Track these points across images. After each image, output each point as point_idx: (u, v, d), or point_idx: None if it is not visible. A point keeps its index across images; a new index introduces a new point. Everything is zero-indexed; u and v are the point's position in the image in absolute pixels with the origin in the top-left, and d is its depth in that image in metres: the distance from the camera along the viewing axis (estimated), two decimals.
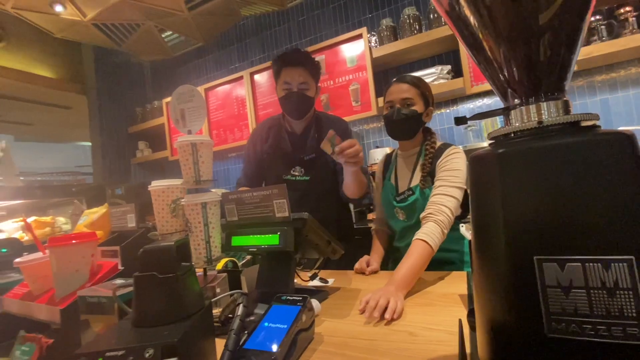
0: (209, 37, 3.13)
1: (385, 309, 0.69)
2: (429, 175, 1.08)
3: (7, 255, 0.94)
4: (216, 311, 0.66)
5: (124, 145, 3.58)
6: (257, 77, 2.79)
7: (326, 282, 1.00)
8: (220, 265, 0.91)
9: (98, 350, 0.39)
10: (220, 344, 0.51)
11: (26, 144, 4.75)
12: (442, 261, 1.07)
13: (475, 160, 0.36)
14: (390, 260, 1.22)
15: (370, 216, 2.05)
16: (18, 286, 0.73)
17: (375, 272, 1.07)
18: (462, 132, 2.20)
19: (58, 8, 2.72)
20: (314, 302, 0.71)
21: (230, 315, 0.67)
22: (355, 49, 2.34)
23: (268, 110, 2.72)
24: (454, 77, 2.13)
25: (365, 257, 1.12)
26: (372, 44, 2.36)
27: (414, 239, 0.91)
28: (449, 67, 2.16)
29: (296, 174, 1.34)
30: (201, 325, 0.49)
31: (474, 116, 0.41)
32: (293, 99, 1.27)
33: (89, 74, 3.50)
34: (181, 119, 0.82)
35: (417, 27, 2.20)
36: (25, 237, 1.10)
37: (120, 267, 0.68)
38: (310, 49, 2.43)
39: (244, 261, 1.02)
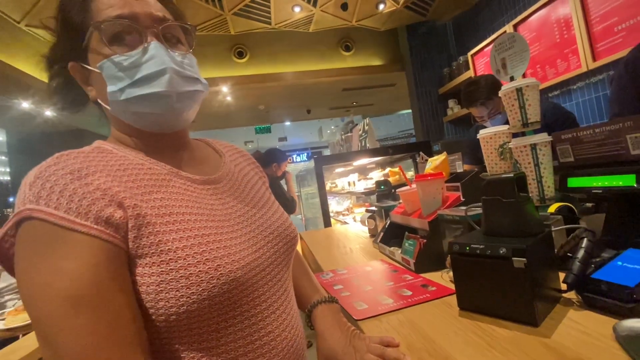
0: None
1: None
2: None
3: (384, 191, 1.46)
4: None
5: (436, 106, 4.03)
6: None
7: None
8: (552, 209, 0.90)
9: (467, 243, 0.58)
10: (560, 277, 0.56)
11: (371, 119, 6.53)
12: None
13: None
14: None
15: None
16: (397, 207, 1.14)
17: None
18: None
19: (381, 6, 3.44)
20: None
21: (569, 254, 0.68)
22: None
23: (611, 20, 2.00)
24: None
25: None
26: None
27: None
28: None
29: None
30: (544, 245, 0.56)
31: None
32: None
33: (404, 52, 4.19)
34: (502, 68, 0.87)
35: None
36: (390, 179, 1.64)
37: (462, 199, 0.88)
38: None
39: (583, 208, 0.93)
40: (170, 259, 0.39)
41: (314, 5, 3.26)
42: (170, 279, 0.38)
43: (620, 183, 0.66)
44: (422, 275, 0.82)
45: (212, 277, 0.40)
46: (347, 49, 4.24)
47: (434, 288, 0.73)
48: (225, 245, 0.44)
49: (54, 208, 0.36)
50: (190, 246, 0.40)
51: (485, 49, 3.12)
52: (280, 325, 0.48)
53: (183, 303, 0.38)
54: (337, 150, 3.32)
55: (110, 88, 0.45)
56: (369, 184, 2.28)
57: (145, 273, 0.38)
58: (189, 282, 0.39)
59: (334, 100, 5.69)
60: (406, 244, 0.94)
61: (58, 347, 0.33)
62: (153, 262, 0.38)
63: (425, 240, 0.86)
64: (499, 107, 1.52)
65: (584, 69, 2.19)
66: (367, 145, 2.47)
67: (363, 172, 2.86)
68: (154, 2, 0.49)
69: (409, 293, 0.72)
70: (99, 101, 0.49)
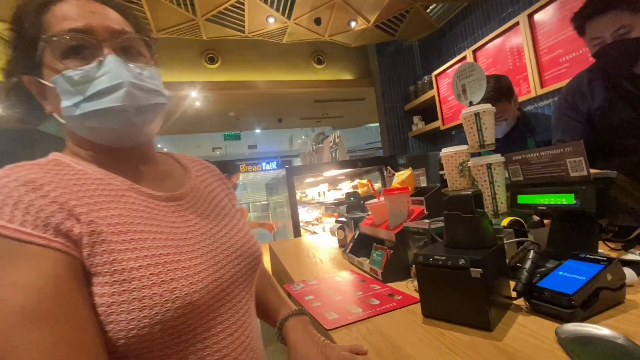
0: None
1: None
2: None
3: (353, 202, 1.51)
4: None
5: (402, 121, 4.22)
6: (537, 17, 2.36)
7: None
8: (504, 223, 0.99)
9: (430, 254, 0.62)
10: (510, 286, 0.62)
11: (341, 130, 6.67)
12: None
13: None
14: None
15: None
16: (366, 219, 1.18)
17: None
18: None
19: (353, 24, 3.57)
20: (627, 270, 0.64)
21: (519, 265, 0.75)
22: None
23: (556, 52, 2.25)
24: None
25: None
26: None
27: None
28: None
29: None
30: (497, 256, 0.62)
31: None
32: (608, 54, 1.00)
33: (374, 69, 4.36)
34: (462, 93, 0.95)
35: None
36: (359, 191, 1.69)
37: (425, 212, 0.94)
38: None
39: (530, 222, 1.02)
40: (123, 279, 0.37)
41: (289, 17, 3.32)
42: (122, 300, 0.36)
43: (562, 201, 0.75)
44: (389, 284, 0.86)
45: (166, 300, 0.38)
46: (320, 62, 4.34)
47: (400, 297, 0.77)
48: (184, 265, 0.42)
49: (7, 221, 0.34)
50: (145, 266, 0.39)
51: (448, 71, 3.34)
52: (237, 347, 0.46)
53: (133, 327, 0.36)
54: (308, 160, 3.35)
55: (65, 103, 0.44)
56: (339, 194, 2.33)
57: (96, 293, 0.36)
58: (142, 305, 0.37)
59: (306, 110, 5.76)
60: (374, 255, 0.98)
61: None
62: (105, 282, 0.37)
63: (392, 251, 0.90)
64: (504, 114, 1.46)
65: (533, 94, 2.42)
66: (338, 157, 2.53)
67: (332, 182, 2.92)
68: (113, 14, 0.48)
69: (377, 302, 0.75)
70: (55, 115, 0.48)
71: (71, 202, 0.38)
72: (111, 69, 0.44)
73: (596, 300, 0.56)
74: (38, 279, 0.33)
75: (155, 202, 0.47)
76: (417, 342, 0.56)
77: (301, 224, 2.73)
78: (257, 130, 9.06)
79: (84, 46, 0.45)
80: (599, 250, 0.77)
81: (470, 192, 0.64)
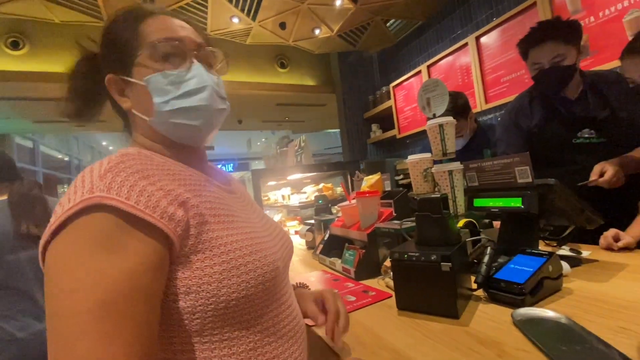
0: (430, 12, 3.24)
1: None
2: None
3: (322, 205, 1.55)
4: None
5: (361, 128, 4.39)
6: (483, 39, 2.63)
7: (579, 252, 0.96)
8: (461, 224, 1.10)
9: (404, 251, 0.68)
10: (470, 279, 0.70)
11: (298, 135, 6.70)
12: None
13: None
14: None
15: None
16: (336, 220, 1.23)
17: (629, 247, 0.92)
18: None
19: (317, 31, 3.66)
20: (563, 263, 0.76)
21: (475, 261, 0.85)
22: None
23: (499, 72, 2.53)
24: None
25: (612, 231, 0.96)
26: None
27: None
28: None
29: (585, 136, 1.21)
30: (461, 253, 0.70)
31: None
32: (544, 78, 1.17)
33: (335, 76, 4.49)
34: (427, 105, 1.05)
35: None
36: (325, 194, 1.74)
37: (394, 214, 1.01)
38: None
39: (482, 223, 1.15)
40: (228, 250, 0.44)
41: (254, 19, 3.30)
42: (231, 267, 0.43)
43: (511, 204, 0.86)
44: (362, 282, 0.91)
45: (263, 264, 0.46)
46: (283, 66, 4.35)
47: (373, 293, 0.82)
48: (263, 241, 0.50)
49: (125, 198, 0.37)
50: (240, 240, 0.46)
51: (404, 83, 3.56)
52: (295, 308, 0.55)
53: (244, 288, 0.43)
54: (272, 163, 3.34)
55: (157, 100, 0.50)
56: (303, 197, 2.36)
57: (206, 265, 0.42)
58: (247, 269, 0.44)
59: (268, 113, 5.72)
60: (346, 254, 1.02)
61: (75, 350, 0.31)
62: (214, 255, 0.43)
63: (364, 251, 0.96)
64: (461, 130, 1.59)
65: (478, 109, 2.68)
66: (303, 160, 2.56)
67: (295, 186, 2.94)
68: (193, 29, 0.56)
69: (353, 299, 0.80)
70: (133, 111, 0.53)
71: (177, 189, 0.42)
72: (198, 74, 0.52)
73: (541, 288, 0.66)
74: (136, 264, 0.36)
75: (225, 193, 0.54)
76: (396, 331, 0.61)
77: None
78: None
79: (176, 53, 0.52)
80: (540, 247, 0.89)
81: (439, 195, 0.71)
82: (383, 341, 0.58)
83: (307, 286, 0.72)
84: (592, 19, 1.94)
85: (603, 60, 1.88)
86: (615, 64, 1.73)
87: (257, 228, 0.52)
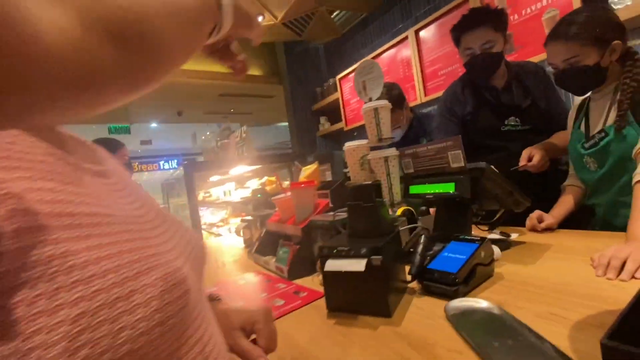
0: (373, 5, 3.24)
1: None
2: (633, 111, 0.85)
3: (261, 198, 1.44)
4: None
5: (310, 121, 4.31)
6: (422, 33, 2.69)
7: (508, 235, 0.98)
8: (399, 212, 1.07)
9: (334, 246, 0.60)
10: (405, 270, 0.66)
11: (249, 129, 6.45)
12: None
13: None
14: (589, 225, 1.04)
15: None
16: (273, 215, 1.13)
17: (551, 227, 0.97)
18: None
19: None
20: (494, 248, 0.75)
21: (411, 250, 0.81)
22: None
23: (436, 65, 2.61)
24: None
25: (537, 213, 1.00)
26: None
27: (633, 182, 0.77)
28: None
29: (512, 123, 1.27)
30: (394, 243, 0.64)
31: None
32: (475, 63, 1.20)
33: (282, 67, 4.34)
34: (363, 89, 0.99)
35: None
36: (267, 188, 1.63)
37: (330, 205, 0.93)
38: None
39: (420, 211, 1.13)
40: (91, 276, 0.21)
41: None
42: (97, 307, 0.20)
43: (445, 190, 0.83)
44: (295, 281, 0.83)
45: (162, 290, 0.24)
46: None
47: (305, 294, 0.74)
48: (159, 251, 0.31)
49: None
50: (115, 256, 0.23)
51: (350, 75, 3.55)
52: (211, 340, 0.34)
53: (125, 340, 0.21)
54: (212, 157, 3.11)
55: None
56: (247, 193, 2.21)
57: (40, 312, 0.19)
58: (131, 304, 0.22)
59: (210, 104, 5.38)
60: (280, 252, 0.93)
61: None
62: (58, 289, 0.20)
63: (298, 247, 0.87)
64: (397, 122, 1.59)
65: (418, 101, 2.75)
66: (245, 153, 2.40)
67: (240, 181, 2.77)
68: None
69: (282, 302, 0.71)
70: None
71: None
72: None
73: (474, 275, 0.63)
74: None
75: (89, 176, 0.30)
76: (323, 339, 0.53)
77: (204, 226, 2.51)
78: (153, 124, 8.06)
79: None
80: (472, 233, 0.89)
81: (370, 182, 0.65)
82: (306, 355, 0.50)
83: (219, 297, 0.55)
84: (516, 16, 2.06)
85: (526, 55, 2.01)
86: (537, 58, 1.85)
87: (147, 232, 0.33)
